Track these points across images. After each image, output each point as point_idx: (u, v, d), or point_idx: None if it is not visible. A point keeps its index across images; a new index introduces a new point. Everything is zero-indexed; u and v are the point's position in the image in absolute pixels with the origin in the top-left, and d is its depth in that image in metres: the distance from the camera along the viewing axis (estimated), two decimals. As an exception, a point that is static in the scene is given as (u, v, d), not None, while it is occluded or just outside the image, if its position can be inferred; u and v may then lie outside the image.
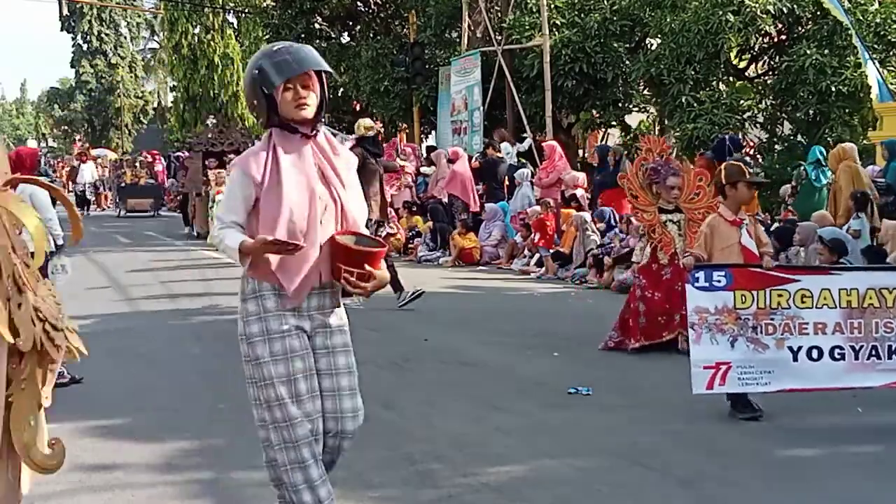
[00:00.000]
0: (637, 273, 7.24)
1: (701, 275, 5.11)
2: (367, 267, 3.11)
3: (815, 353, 5.04)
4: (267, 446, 3.25)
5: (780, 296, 5.05)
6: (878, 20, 13.66)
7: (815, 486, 4.18)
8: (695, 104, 14.00)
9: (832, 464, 4.47)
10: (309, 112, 3.11)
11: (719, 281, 5.08)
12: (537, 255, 12.51)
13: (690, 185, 7.13)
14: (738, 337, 5.04)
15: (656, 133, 18.11)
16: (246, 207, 3.16)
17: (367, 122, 9.88)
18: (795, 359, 5.04)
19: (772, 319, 5.05)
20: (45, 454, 2.88)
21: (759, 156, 15.15)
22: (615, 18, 16.42)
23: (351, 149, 10.31)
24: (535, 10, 17.33)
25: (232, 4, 31.32)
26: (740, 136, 13.55)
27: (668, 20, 14.65)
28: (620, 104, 17.49)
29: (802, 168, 11.19)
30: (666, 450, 4.69)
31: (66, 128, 53.37)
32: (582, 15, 16.94)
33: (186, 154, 23.89)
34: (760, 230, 5.68)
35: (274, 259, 3.11)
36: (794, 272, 5.29)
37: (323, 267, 3.16)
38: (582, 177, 13.83)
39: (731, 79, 15.60)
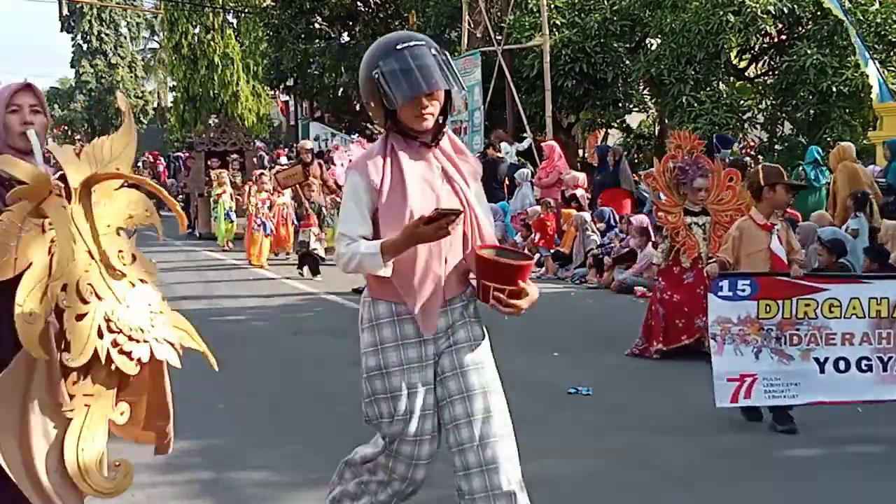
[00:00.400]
0: (657, 275, 6.92)
1: (725, 284, 4.91)
2: (520, 283, 2.74)
3: (842, 365, 4.85)
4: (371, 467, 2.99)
5: (807, 305, 4.85)
6: (878, 20, 13.66)
7: (815, 487, 4.17)
8: (695, 104, 14.01)
9: (832, 464, 4.47)
10: (430, 123, 2.77)
11: (744, 290, 4.87)
12: (537, 255, 12.51)
13: (720, 185, 6.76)
14: (762, 348, 4.86)
15: (655, 133, 18.12)
16: (370, 218, 2.79)
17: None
18: (822, 371, 4.86)
19: (797, 330, 4.86)
20: (104, 477, 2.67)
21: (759, 156, 15.15)
22: (615, 18, 16.42)
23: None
24: (535, 10, 17.33)
25: (232, 4, 31.32)
26: (731, 134, 13.53)
27: (668, 20, 14.66)
28: (620, 104, 17.49)
29: (801, 168, 11.19)
30: (666, 449, 4.68)
31: (66, 128, 53.38)
32: (582, 15, 16.94)
33: (187, 154, 23.90)
34: (792, 236, 5.42)
35: (398, 277, 2.75)
36: (823, 281, 5.02)
37: (448, 281, 2.82)
38: (582, 177, 13.82)
39: (731, 79, 15.60)
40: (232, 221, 15.77)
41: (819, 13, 13.89)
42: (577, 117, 18.62)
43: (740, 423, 5.05)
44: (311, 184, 12.54)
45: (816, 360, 4.86)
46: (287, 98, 31.14)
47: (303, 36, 22.53)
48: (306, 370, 6.71)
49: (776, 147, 15.06)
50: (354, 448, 3.08)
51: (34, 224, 2.59)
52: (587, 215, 12.07)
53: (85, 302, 2.56)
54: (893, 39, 13.72)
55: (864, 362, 4.86)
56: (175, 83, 35.77)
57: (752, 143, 16.18)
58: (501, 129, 17.91)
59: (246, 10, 30.40)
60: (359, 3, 23.01)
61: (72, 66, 51.04)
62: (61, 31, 49.73)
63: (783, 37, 15.11)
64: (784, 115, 15.14)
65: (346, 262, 2.76)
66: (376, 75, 2.70)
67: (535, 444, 5.05)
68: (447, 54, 2.76)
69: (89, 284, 2.58)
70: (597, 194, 13.27)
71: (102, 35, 49.56)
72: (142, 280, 2.81)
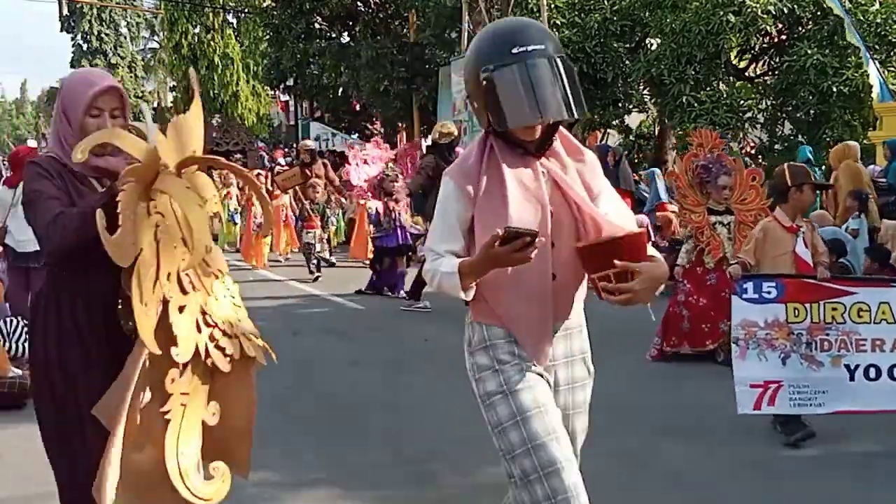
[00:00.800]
0: (681, 277, 6.76)
1: (749, 285, 4.71)
2: (620, 262, 2.29)
3: (872, 373, 4.62)
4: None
5: (834, 309, 4.64)
6: (878, 20, 13.65)
7: (815, 486, 4.17)
8: (695, 104, 14.00)
9: (832, 464, 4.47)
10: (537, 133, 2.47)
11: (769, 292, 4.66)
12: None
13: (743, 184, 6.63)
14: (790, 353, 4.63)
15: (655, 133, 18.11)
16: (463, 231, 2.48)
17: (448, 125, 9.40)
18: (852, 378, 4.62)
19: (827, 335, 4.63)
20: (203, 482, 2.43)
21: (759, 156, 15.16)
22: (615, 18, 16.41)
23: (421, 157, 10.09)
24: (535, 10, 17.32)
25: (232, 4, 31.32)
26: (730, 135, 13.52)
27: (668, 20, 14.64)
28: (620, 104, 17.49)
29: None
30: (666, 449, 4.68)
31: (66, 128, 53.39)
32: (582, 15, 16.92)
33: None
34: (818, 238, 5.25)
35: (494, 299, 2.46)
36: (850, 284, 4.82)
37: (561, 303, 2.48)
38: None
39: (731, 79, 15.59)
40: (235, 224, 15.64)
41: (819, 13, 13.88)
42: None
43: (740, 424, 5.04)
44: (315, 184, 12.52)
45: (847, 366, 4.63)
46: (287, 98, 31.12)
47: (303, 36, 22.50)
48: (306, 370, 6.71)
49: (776, 147, 15.06)
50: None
51: (142, 207, 2.40)
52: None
53: (185, 292, 2.40)
54: (893, 39, 13.71)
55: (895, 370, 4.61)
56: (175, 83, 35.79)
57: (752, 144, 16.18)
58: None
59: (246, 10, 30.39)
60: (359, 3, 22.98)
61: (72, 67, 50.99)
62: (61, 31, 49.76)
63: (783, 37, 15.10)
64: (784, 115, 15.12)
65: (430, 280, 2.50)
66: (485, 81, 2.38)
67: (535, 444, 5.06)
68: (568, 62, 2.42)
69: (187, 273, 2.42)
70: (596, 194, 13.27)
71: (102, 35, 49.60)
72: (220, 271, 2.63)
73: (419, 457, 4.60)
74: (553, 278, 2.44)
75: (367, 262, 11.47)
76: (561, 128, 2.53)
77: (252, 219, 13.15)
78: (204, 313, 2.44)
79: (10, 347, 6.24)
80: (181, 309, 2.37)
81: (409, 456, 4.62)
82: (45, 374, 2.71)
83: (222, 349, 2.46)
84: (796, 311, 4.66)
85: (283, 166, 16.02)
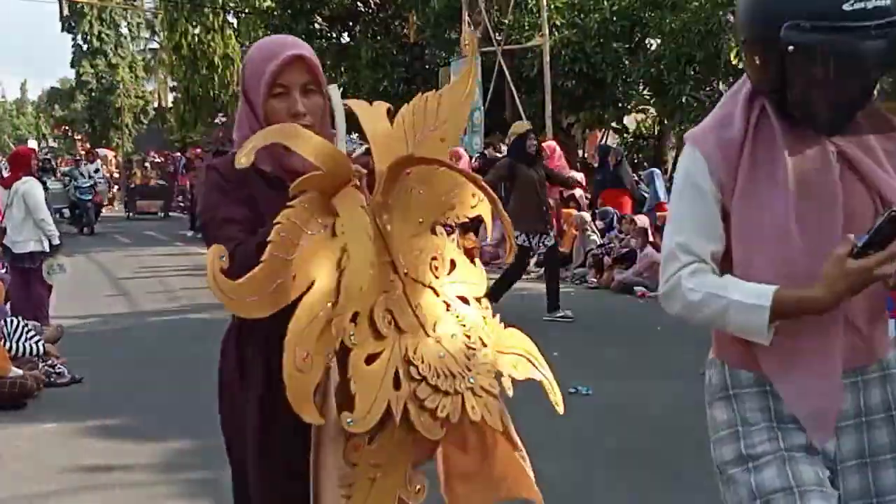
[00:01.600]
0: None
1: None
2: None
3: None
4: None
5: None
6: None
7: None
8: (695, 104, 14.02)
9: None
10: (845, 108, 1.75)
11: None
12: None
13: None
14: None
15: (655, 133, 18.13)
16: (719, 225, 1.78)
17: (525, 124, 9.15)
18: None
19: None
20: None
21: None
22: (615, 19, 16.43)
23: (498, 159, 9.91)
24: (535, 10, 17.33)
25: (232, 5, 31.34)
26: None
27: (668, 20, 14.67)
28: (620, 104, 17.51)
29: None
30: (667, 449, 4.69)
31: (66, 128, 53.37)
32: (582, 15, 16.94)
33: (188, 154, 23.84)
34: None
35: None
36: None
37: (854, 340, 1.74)
38: (580, 177, 13.84)
39: (731, 79, 15.60)
40: None
41: (819, 13, 13.93)
42: (576, 117, 18.62)
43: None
44: None
45: None
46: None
47: (303, 36, 22.50)
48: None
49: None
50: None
51: (321, 226, 1.79)
52: (587, 215, 12.08)
53: (380, 337, 1.81)
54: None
55: None
56: (175, 83, 35.80)
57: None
58: (500, 129, 17.91)
59: (246, 11, 30.40)
60: (359, 3, 22.99)
61: (72, 66, 51.02)
62: (61, 31, 49.72)
63: (783, 37, 15.15)
64: (784, 115, 15.17)
65: (692, 306, 1.75)
66: (787, 44, 1.65)
67: (535, 443, 5.05)
68: None
69: (388, 311, 1.84)
70: (597, 194, 13.28)
71: (103, 35, 49.55)
72: (461, 297, 2.01)
73: (419, 457, 4.59)
74: (850, 303, 1.70)
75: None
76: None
77: None
78: (409, 362, 1.83)
79: (11, 347, 6.24)
80: (370, 359, 1.79)
81: (409, 456, 4.62)
82: (232, 445, 2.15)
83: (431, 410, 1.83)
84: None
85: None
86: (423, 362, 1.84)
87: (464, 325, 1.95)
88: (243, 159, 1.76)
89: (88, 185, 19.46)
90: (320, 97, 2.05)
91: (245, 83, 2.07)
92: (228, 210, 1.96)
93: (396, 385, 1.80)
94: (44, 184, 8.55)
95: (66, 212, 19.78)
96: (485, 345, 1.98)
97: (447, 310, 1.94)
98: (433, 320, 1.90)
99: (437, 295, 1.94)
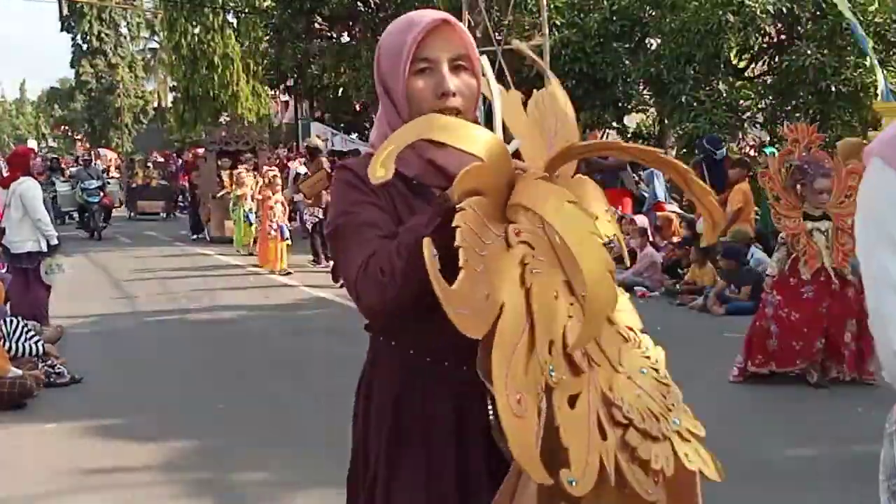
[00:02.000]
0: (771, 288, 6.04)
1: None
2: None
3: None
4: None
5: None
6: (878, 20, 13.66)
7: (815, 486, 4.17)
8: (695, 104, 14.01)
9: (832, 464, 4.47)
10: None
11: None
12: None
13: (841, 185, 5.87)
14: None
15: (655, 133, 18.13)
16: None
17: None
18: None
19: None
20: None
21: (758, 156, 15.16)
22: (615, 18, 16.42)
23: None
24: (535, 10, 17.33)
25: (232, 4, 31.34)
26: (729, 134, 13.54)
27: (668, 20, 14.66)
28: (620, 104, 17.51)
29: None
30: None
31: (66, 128, 53.40)
32: (582, 15, 16.93)
33: (185, 156, 23.80)
34: None
35: None
36: None
37: None
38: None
39: (730, 78, 15.60)
40: (251, 224, 14.73)
41: (819, 13, 13.90)
42: (577, 117, 18.63)
43: (741, 424, 5.05)
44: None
45: None
46: (287, 98, 31.13)
47: (303, 36, 22.52)
48: (307, 370, 6.71)
49: (776, 147, 15.08)
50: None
51: (495, 235, 1.45)
52: (587, 215, 12.07)
53: (578, 373, 1.46)
54: (893, 39, 13.72)
55: None
56: (175, 83, 35.81)
57: (752, 143, 16.20)
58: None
59: (246, 10, 30.40)
60: (359, 3, 22.99)
61: (72, 66, 51.03)
62: (61, 31, 49.71)
63: (783, 37, 15.11)
64: (784, 114, 15.14)
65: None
66: None
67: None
68: None
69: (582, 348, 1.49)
70: (596, 194, 13.28)
71: (102, 35, 49.55)
72: (630, 328, 1.69)
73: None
74: None
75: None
76: None
77: (267, 221, 12.60)
78: (610, 403, 1.50)
79: (10, 347, 6.24)
80: (572, 401, 1.44)
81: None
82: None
83: (644, 462, 1.50)
84: None
85: (302, 174, 15.73)
86: (623, 400, 1.51)
87: (647, 358, 1.64)
88: (380, 171, 1.40)
89: (95, 186, 18.49)
90: (472, 77, 1.69)
91: (380, 68, 1.72)
92: (366, 213, 1.65)
93: (603, 433, 1.46)
94: (53, 184, 8.55)
95: (76, 215, 19.18)
96: (669, 382, 1.67)
97: (624, 339, 1.63)
98: (616, 352, 1.57)
99: (613, 322, 1.62)
